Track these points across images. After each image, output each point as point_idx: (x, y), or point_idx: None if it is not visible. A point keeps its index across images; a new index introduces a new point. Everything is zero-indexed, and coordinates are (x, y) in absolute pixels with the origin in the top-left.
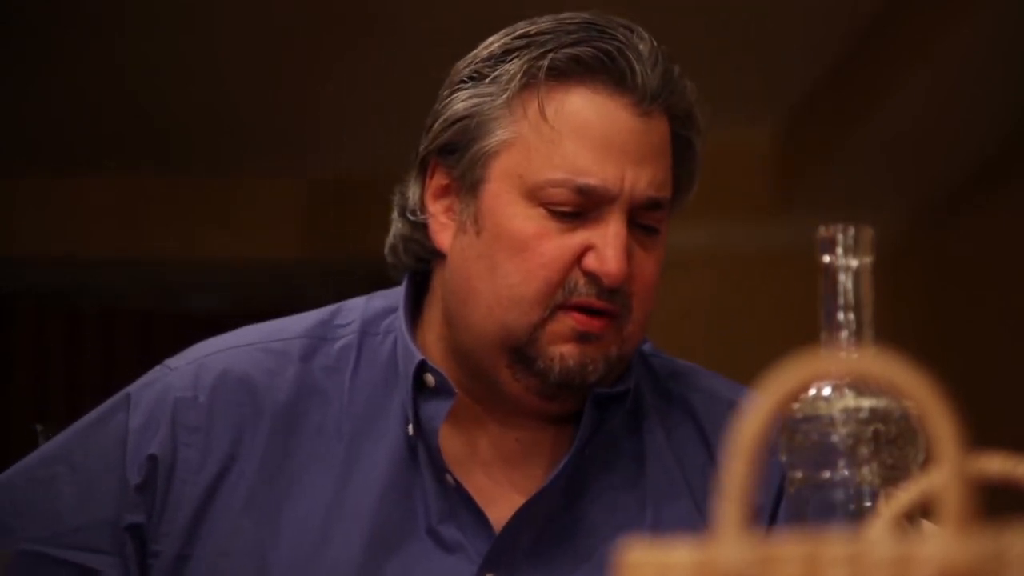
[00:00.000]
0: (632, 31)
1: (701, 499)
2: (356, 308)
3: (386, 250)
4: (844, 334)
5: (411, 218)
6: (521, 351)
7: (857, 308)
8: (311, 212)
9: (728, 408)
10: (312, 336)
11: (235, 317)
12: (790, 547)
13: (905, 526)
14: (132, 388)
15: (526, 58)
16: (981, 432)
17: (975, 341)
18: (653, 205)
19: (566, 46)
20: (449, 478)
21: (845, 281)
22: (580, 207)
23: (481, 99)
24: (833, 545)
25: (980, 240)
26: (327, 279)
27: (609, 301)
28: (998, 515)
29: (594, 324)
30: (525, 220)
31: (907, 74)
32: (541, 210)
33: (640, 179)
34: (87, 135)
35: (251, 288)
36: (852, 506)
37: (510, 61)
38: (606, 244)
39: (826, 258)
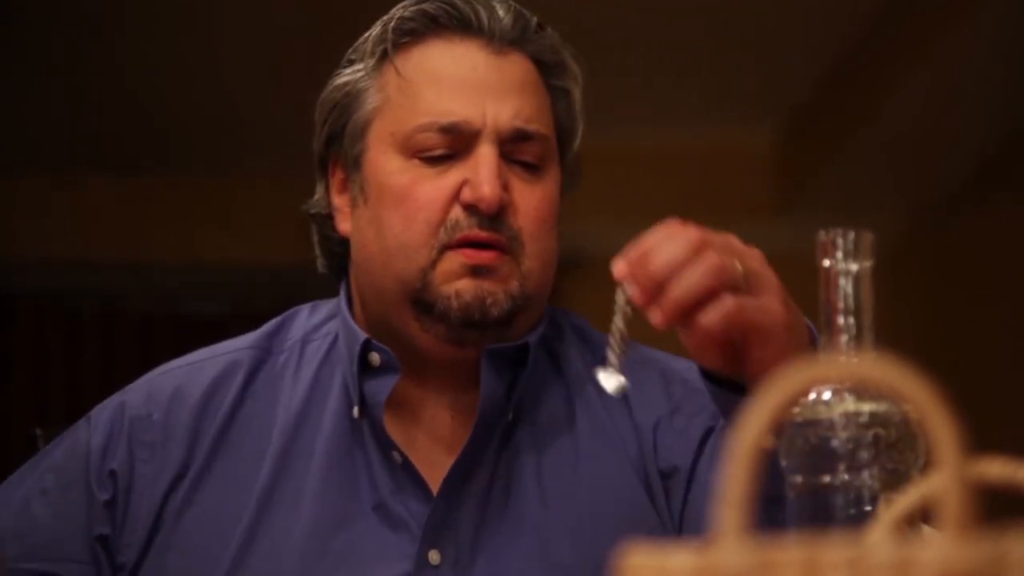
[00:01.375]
0: None
1: (634, 458)
2: (299, 323)
3: (317, 262)
4: (844, 338)
5: (313, 212)
6: (420, 299)
7: (857, 312)
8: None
9: (658, 374)
10: (259, 347)
11: (235, 319)
12: (790, 551)
13: (905, 530)
14: (92, 412)
15: (379, 28)
16: (981, 436)
17: (975, 343)
18: (522, 136)
19: (415, 5)
20: (396, 455)
21: (845, 285)
22: (450, 147)
23: (350, 78)
24: (833, 549)
25: (980, 240)
26: (327, 281)
27: (492, 230)
28: (998, 519)
29: (484, 256)
30: (401, 173)
31: (907, 75)
32: (415, 160)
33: (502, 111)
34: (87, 136)
35: (251, 290)
36: (852, 511)
37: (369, 38)
38: (476, 171)
39: (826, 262)
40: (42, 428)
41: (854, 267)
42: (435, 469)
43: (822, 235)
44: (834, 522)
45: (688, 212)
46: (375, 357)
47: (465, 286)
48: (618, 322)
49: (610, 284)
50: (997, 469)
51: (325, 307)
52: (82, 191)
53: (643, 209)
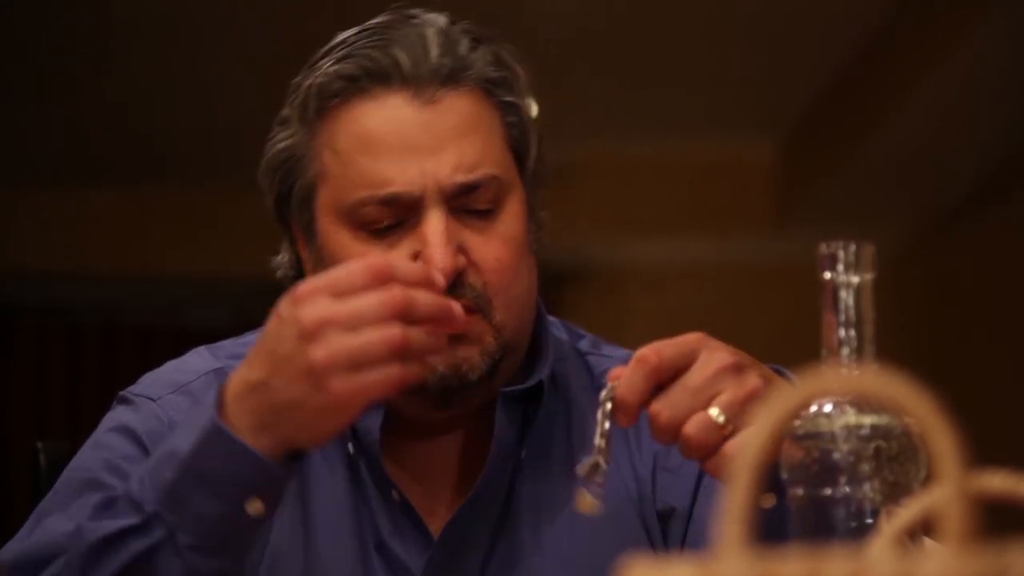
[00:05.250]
0: (418, 20)
1: (634, 498)
2: None
3: None
4: (845, 351)
5: (280, 273)
6: None
7: (858, 325)
8: None
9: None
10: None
11: (236, 331)
12: (792, 564)
13: (907, 544)
14: (134, 424)
15: (306, 87)
16: (983, 449)
17: (976, 356)
18: (468, 188)
19: (334, 64)
20: (395, 494)
21: (846, 297)
22: (396, 217)
23: (287, 143)
24: (834, 562)
25: (981, 254)
26: None
27: (453, 298)
28: (1000, 533)
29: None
30: (351, 247)
31: (909, 90)
32: (364, 232)
33: (441, 169)
34: (88, 150)
35: (251, 301)
36: (853, 523)
37: (299, 94)
38: (426, 244)
39: (827, 275)
40: (43, 441)
41: (855, 279)
42: (438, 506)
43: (823, 247)
44: (835, 535)
45: (690, 225)
46: None
47: (437, 358)
48: (601, 422)
49: (611, 294)
50: (998, 482)
51: None
52: (82, 204)
53: (644, 221)
